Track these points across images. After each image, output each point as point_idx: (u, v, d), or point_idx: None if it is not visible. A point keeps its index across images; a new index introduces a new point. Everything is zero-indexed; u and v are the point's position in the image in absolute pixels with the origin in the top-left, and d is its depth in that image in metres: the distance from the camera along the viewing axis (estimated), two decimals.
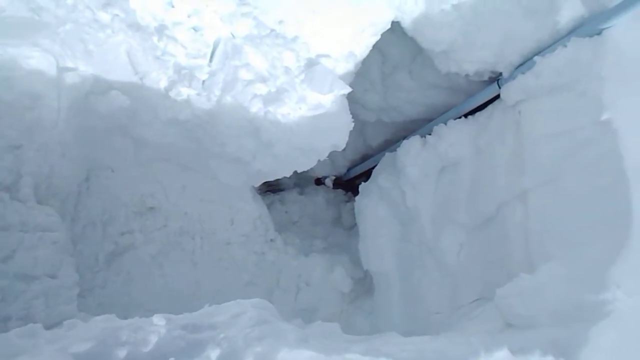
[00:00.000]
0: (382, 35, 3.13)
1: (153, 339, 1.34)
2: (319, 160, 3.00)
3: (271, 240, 3.77)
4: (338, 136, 2.88)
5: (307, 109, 2.73)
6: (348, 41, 2.78)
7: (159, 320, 1.42)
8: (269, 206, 4.54)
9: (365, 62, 3.65)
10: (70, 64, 2.35)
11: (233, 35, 2.60)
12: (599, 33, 2.42)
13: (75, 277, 2.29)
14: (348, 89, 2.79)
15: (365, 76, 3.81)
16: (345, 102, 2.87)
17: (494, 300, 2.39)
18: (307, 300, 3.71)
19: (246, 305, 1.60)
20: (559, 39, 2.60)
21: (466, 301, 3.05)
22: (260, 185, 4.75)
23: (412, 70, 3.62)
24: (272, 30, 2.63)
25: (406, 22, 2.92)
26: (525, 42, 2.71)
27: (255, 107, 2.64)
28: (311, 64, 2.73)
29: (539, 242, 2.57)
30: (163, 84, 2.58)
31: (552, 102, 2.64)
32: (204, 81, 2.62)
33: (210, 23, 2.54)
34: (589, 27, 2.45)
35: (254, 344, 1.37)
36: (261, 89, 2.63)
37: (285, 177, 4.75)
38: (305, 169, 3.03)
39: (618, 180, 2.14)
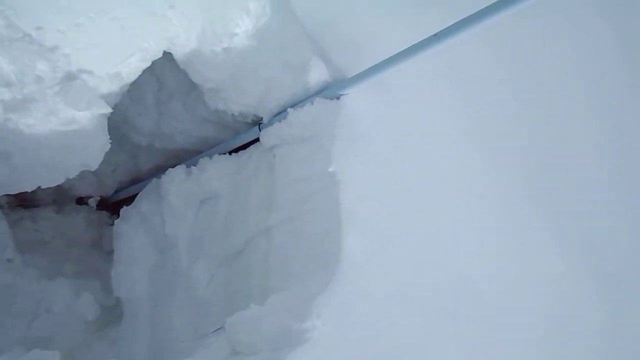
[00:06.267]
0: (159, 62, 3.16)
1: None
2: (68, 179, 2.85)
3: (8, 259, 3.39)
4: (91, 155, 2.78)
5: (59, 123, 2.58)
6: (114, 62, 2.74)
7: None
8: (16, 222, 4.08)
9: (141, 86, 3.63)
10: None
11: None
12: (338, 98, 2.84)
13: None
14: (108, 109, 2.73)
15: (140, 101, 3.77)
16: (105, 122, 2.80)
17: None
18: (42, 329, 3.39)
19: None
20: (309, 97, 2.97)
21: (209, 330, 3.15)
22: (10, 199, 4.27)
23: (187, 102, 3.70)
24: (27, 34, 2.45)
25: (178, 54, 3.01)
26: (283, 93, 3.02)
27: None
28: (70, 77, 2.60)
29: (274, 276, 2.84)
30: None
31: (300, 151, 2.98)
32: None
33: None
34: (331, 91, 2.86)
35: None
36: (4, 93, 2.42)
37: (41, 192, 4.42)
38: (51, 186, 2.83)
39: (335, 225, 2.50)
